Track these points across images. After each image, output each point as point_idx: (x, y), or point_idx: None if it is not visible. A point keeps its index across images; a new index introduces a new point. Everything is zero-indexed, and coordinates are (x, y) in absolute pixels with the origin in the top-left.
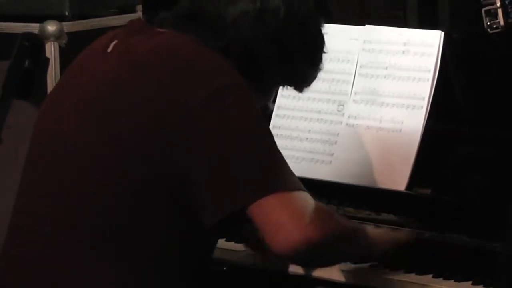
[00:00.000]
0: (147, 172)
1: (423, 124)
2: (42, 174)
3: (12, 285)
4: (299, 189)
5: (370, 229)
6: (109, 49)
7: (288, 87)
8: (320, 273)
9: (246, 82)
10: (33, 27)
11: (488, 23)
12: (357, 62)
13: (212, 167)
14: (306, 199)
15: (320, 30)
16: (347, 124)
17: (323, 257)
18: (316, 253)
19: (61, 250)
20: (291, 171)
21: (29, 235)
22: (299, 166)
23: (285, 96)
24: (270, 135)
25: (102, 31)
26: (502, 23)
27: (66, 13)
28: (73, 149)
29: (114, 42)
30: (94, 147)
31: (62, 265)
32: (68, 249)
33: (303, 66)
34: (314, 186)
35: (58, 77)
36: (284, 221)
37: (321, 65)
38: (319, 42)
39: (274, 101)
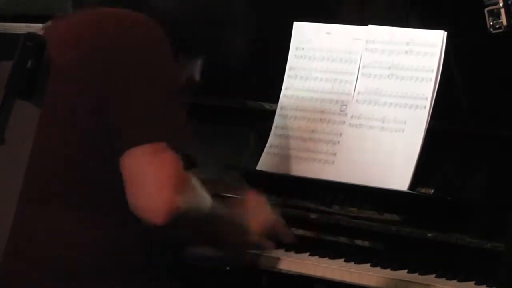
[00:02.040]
0: (96, 125)
1: (426, 124)
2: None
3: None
4: (176, 150)
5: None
6: None
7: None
8: (321, 272)
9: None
10: (36, 27)
11: (491, 23)
12: (360, 62)
13: (123, 110)
14: (179, 166)
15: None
16: (350, 124)
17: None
18: (166, 221)
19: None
20: (182, 133)
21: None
22: (302, 166)
23: (288, 96)
24: (176, 94)
25: None
26: (505, 23)
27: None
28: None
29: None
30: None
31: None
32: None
33: (226, 38)
34: (317, 186)
35: None
36: (150, 182)
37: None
38: (243, 16)
39: (271, 101)
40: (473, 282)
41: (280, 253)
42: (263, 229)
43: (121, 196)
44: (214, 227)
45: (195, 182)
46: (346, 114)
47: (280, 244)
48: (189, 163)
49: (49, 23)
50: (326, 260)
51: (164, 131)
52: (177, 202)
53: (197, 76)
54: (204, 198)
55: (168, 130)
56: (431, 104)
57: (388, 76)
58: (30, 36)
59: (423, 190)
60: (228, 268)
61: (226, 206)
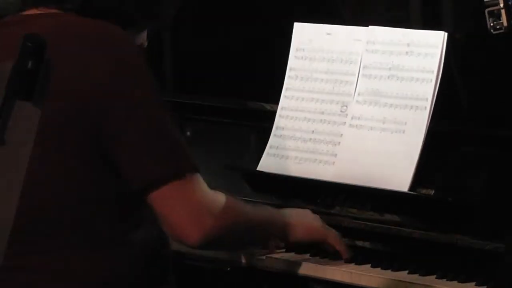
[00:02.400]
0: (84, 153)
1: (427, 125)
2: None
3: None
4: (196, 171)
5: (285, 217)
6: None
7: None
8: (321, 273)
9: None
10: None
11: (492, 24)
12: (360, 63)
13: (126, 145)
14: (205, 188)
15: None
16: (350, 125)
17: (217, 246)
18: (209, 244)
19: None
20: (193, 157)
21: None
22: (302, 167)
23: (289, 97)
24: (170, 117)
25: None
26: (505, 24)
27: None
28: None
29: None
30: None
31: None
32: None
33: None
34: (317, 187)
35: None
36: (180, 208)
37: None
38: None
39: (272, 102)
40: (474, 283)
41: (280, 253)
42: (310, 238)
43: (108, 219)
44: (257, 233)
45: (228, 197)
46: (346, 115)
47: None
48: None
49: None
50: (326, 261)
51: (182, 160)
52: (212, 223)
53: (145, 43)
54: (245, 208)
55: (183, 156)
56: (431, 105)
57: (388, 77)
58: (30, 36)
59: (424, 191)
60: (228, 268)
61: (271, 211)
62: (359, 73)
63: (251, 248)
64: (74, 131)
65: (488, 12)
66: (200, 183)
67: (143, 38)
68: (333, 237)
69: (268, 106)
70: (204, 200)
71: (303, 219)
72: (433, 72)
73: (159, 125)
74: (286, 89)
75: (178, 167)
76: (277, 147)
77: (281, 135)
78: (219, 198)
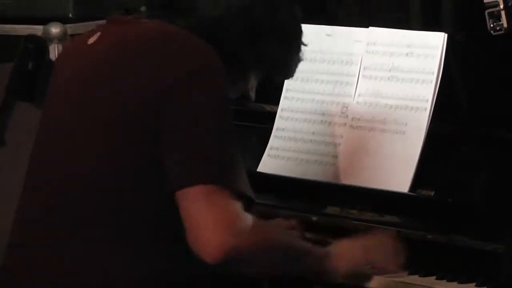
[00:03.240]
0: (136, 145)
1: (427, 126)
2: (42, 166)
3: (18, 272)
4: (237, 194)
5: (325, 251)
6: (92, 41)
7: (272, 77)
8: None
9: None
10: (37, 29)
11: (492, 25)
12: (360, 64)
13: (175, 144)
14: (238, 207)
15: (294, 16)
16: (350, 126)
17: (239, 268)
18: (229, 264)
19: (64, 235)
20: (239, 173)
21: (33, 226)
22: (302, 168)
23: (289, 98)
24: (230, 129)
25: None
26: (505, 25)
27: (70, 15)
28: (67, 138)
29: (98, 34)
30: (86, 133)
31: (66, 250)
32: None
33: (274, 50)
34: (318, 188)
35: None
36: (206, 221)
37: (299, 55)
38: (292, 28)
39: (272, 103)
40: (474, 284)
41: None
42: (351, 273)
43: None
44: (289, 261)
45: (258, 220)
46: (347, 116)
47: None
48: (245, 202)
49: (107, 20)
50: None
51: (223, 171)
52: (232, 243)
53: (252, 96)
54: (275, 234)
55: (226, 169)
56: (431, 106)
57: (388, 78)
58: (31, 38)
59: (424, 192)
60: None
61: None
62: (359, 74)
63: (290, 274)
64: (132, 129)
65: (488, 13)
66: (233, 201)
67: (246, 83)
68: (381, 261)
69: (268, 107)
70: (235, 218)
71: (347, 251)
72: (433, 73)
73: (213, 136)
74: (287, 90)
75: (216, 174)
76: (278, 148)
77: (281, 136)
78: (248, 220)
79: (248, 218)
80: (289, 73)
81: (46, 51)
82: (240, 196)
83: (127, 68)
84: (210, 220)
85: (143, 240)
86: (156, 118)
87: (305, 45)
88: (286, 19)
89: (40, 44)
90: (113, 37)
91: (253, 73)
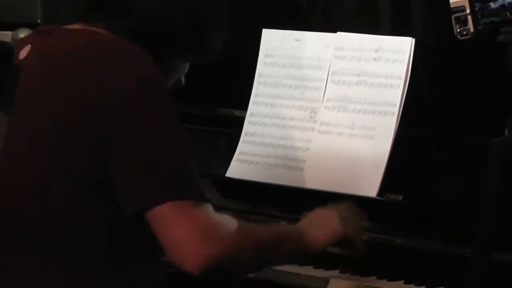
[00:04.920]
0: (80, 167)
1: (395, 130)
2: None
3: None
4: (205, 201)
5: (300, 227)
6: (22, 56)
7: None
8: (291, 277)
9: (159, 59)
10: (5, 35)
11: (458, 30)
12: (329, 69)
13: (127, 164)
14: (209, 214)
15: (224, 1)
16: (319, 131)
17: (224, 272)
18: (213, 271)
19: (11, 258)
20: (199, 183)
21: None
22: (271, 173)
23: (258, 103)
24: (184, 142)
25: None
26: (472, 29)
27: (38, 21)
28: (11, 166)
29: (27, 47)
30: (28, 158)
31: (12, 272)
32: (17, 256)
33: (213, 38)
34: (287, 193)
35: None
36: (180, 234)
37: (223, 32)
38: (224, 14)
39: (241, 108)
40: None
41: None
42: (333, 239)
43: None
44: (273, 253)
45: (240, 222)
46: (315, 121)
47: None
48: None
49: (35, 32)
50: (295, 267)
51: (189, 185)
52: (212, 251)
53: (183, 80)
54: (257, 229)
55: (190, 182)
56: (399, 110)
57: (357, 83)
58: None
59: (392, 196)
60: None
61: (286, 227)
62: (327, 79)
63: (274, 266)
64: (79, 146)
65: (455, 18)
66: (206, 210)
67: (182, 70)
68: (351, 230)
69: (237, 112)
70: (208, 226)
71: (319, 224)
72: (401, 78)
73: (169, 149)
74: (255, 95)
75: (182, 189)
76: (246, 153)
77: (250, 141)
78: (228, 225)
79: (230, 223)
80: (216, 56)
81: (14, 57)
82: (206, 199)
83: (62, 86)
84: (186, 234)
85: (90, 264)
86: (102, 138)
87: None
88: (219, 6)
89: (8, 50)
90: (43, 50)
91: (189, 60)
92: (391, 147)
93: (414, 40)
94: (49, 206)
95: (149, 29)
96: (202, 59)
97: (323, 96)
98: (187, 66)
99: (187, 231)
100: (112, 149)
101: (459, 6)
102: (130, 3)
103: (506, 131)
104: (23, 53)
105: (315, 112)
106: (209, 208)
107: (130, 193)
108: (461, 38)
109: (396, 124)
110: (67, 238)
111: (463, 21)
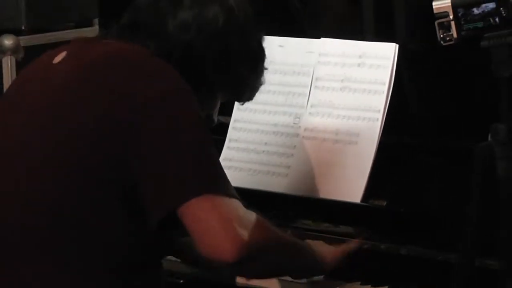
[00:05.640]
0: (102, 172)
1: (379, 136)
2: None
3: None
4: (233, 197)
5: (313, 244)
6: (56, 61)
7: (235, 100)
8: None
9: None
10: None
11: (442, 35)
12: (312, 75)
13: (154, 167)
14: (238, 206)
15: (260, 42)
16: (303, 136)
17: (255, 266)
18: (246, 261)
19: (20, 259)
20: (227, 179)
21: None
22: (255, 179)
23: (242, 109)
24: (211, 142)
25: (59, 45)
26: (455, 35)
27: (23, 27)
28: (24, 161)
29: (63, 54)
30: (47, 156)
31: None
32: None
33: (243, 74)
34: (271, 199)
35: None
36: (213, 224)
37: (263, 77)
38: (259, 52)
39: (225, 114)
40: None
41: None
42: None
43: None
44: (292, 254)
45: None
46: (299, 127)
47: None
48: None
49: (73, 41)
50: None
51: (215, 180)
52: (244, 238)
53: (215, 120)
54: (274, 227)
55: (217, 177)
56: (383, 116)
57: (341, 89)
58: None
59: (376, 202)
60: (181, 281)
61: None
62: (311, 85)
63: (292, 274)
64: (105, 151)
65: (438, 24)
66: (236, 203)
67: (212, 106)
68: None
69: (222, 118)
70: (239, 217)
71: (323, 247)
72: (384, 83)
73: (198, 147)
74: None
75: (215, 183)
76: (231, 159)
77: (234, 147)
78: (251, 215)
79: (252, 214)
80: (252, 96)
81: None
82: (234, 196)
83: (93, 90)
84: (218, 224)
85: (100, 271)
86: (127, 142)
87: (266, 69)
88: (255, 44)
89: None
90: (79, 56)
91: (220, 96)
92: (375, 153)
93: (397, 46)
94: (69, 214)
95: (179, 59)
96: (233, 96)
97: (307, 102)
98: (217, 104)
99: (221, 221)
100: (138, 151)
101: (442, 12)
102: (167, 32)
103: (489, 137)
104: (57, 58)
105: (299, 118)
106: (238, 202)
107: (162, 193)
108: (444, 44)
109: (380, 130)
110: (79, 246)
111: (446, 27)
